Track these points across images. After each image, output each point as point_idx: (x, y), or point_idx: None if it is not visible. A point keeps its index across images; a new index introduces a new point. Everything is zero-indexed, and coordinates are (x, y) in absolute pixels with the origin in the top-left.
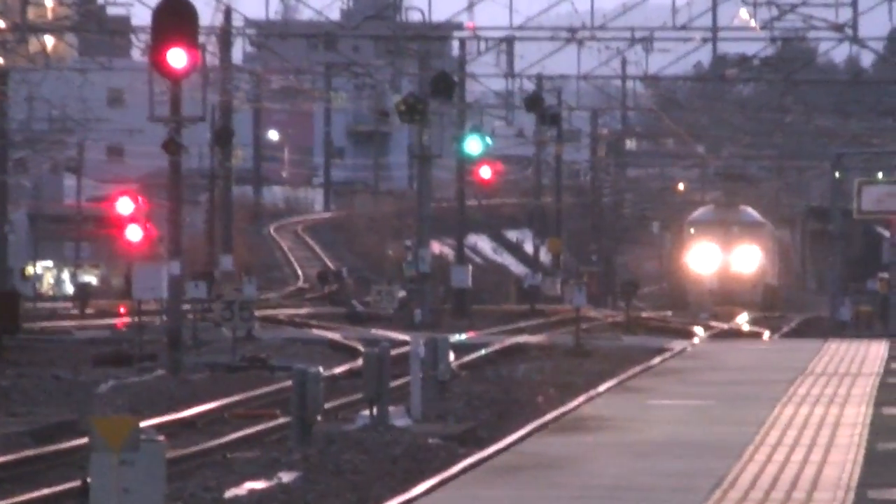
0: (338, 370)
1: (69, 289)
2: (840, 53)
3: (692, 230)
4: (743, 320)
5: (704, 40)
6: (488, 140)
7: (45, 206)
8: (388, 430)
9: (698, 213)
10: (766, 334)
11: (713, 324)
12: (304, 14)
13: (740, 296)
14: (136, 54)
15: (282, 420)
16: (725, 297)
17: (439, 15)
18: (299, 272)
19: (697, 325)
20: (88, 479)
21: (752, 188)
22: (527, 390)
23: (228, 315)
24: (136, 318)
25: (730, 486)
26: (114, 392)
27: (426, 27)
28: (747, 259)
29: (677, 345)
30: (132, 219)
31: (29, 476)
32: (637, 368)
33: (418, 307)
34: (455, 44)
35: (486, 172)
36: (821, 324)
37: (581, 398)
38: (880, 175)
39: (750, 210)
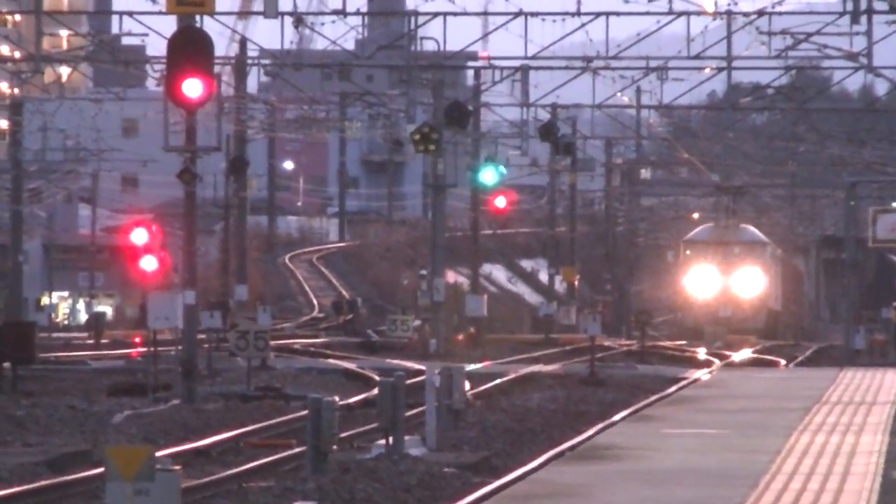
0: (353, 399)
1: (84, 318)
2: (854, 82)
3: (688, 251)
4: (743, 355)
5: (719, 69)
6: (503, 169)
7: (60, 236)
8: (402, 459)
9: (695, 232)
10: (782, 363)
11: (726, 352)
12: (319, 44)
13: (741, 321)
14: (151, 84)
15: (297, 449)
16: (725, 323)
17: (454, 45)
18: (314, 301)
19: (698, 348)
20: None
21: (755, 205)
22: (541, 419)
23: (243, 344)
24: (151, 348)
25: None
26: (128, 421)
27: (440, 57)
28: (748, 282)
29: (692, 373)
30: (147, 248)
31: None
32: (652, 397)
33: (433, 336)
34: (469, 73)
35: (500, 202)
36: (835, 352)
37: (596, 427)
38: (895, 204)
39: (751, 229)
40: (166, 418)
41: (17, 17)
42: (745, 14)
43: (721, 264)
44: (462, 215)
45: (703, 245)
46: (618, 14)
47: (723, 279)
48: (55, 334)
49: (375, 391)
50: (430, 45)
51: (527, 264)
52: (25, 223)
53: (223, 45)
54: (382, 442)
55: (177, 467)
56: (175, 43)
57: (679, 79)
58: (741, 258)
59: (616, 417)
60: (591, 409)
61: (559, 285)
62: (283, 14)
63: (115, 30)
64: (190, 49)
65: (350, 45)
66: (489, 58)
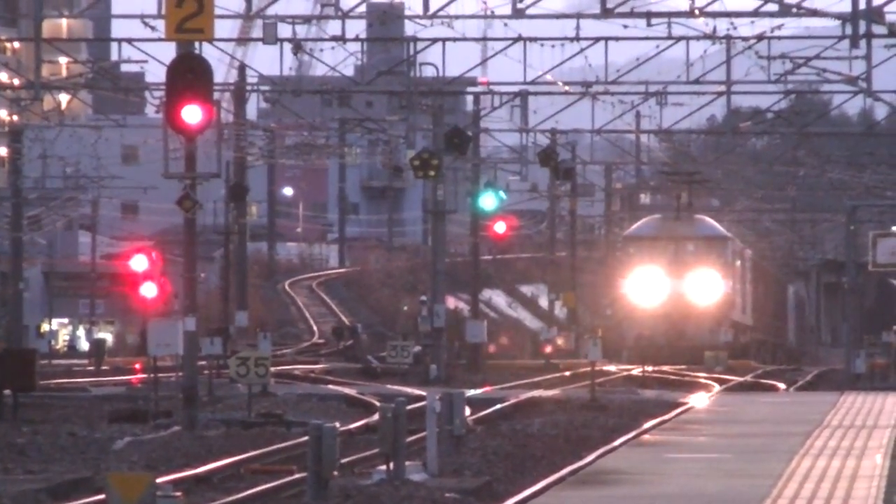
0: (354, 425)
1: (84, 345)
2: (854, 106)
3: (631, 249)
4: (701, 402)
5: (718, 94)
6: (502, 195)
7: (60, 264)
8: (404, 484)
9: (638, 225)
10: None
11: (726, 376)
12: (318, 70)
13: (696, 337)
14: (151, 111)
15: (298, 476)
16: (676, 340)
17: (453, 70)
18: (314, 328)
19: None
20: None
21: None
22: (542, 444)
23: (244, 371)
24: (152, 375)
25: None
26: (129, 448)
27: (440, 83)
28: (704, 287)
29: (693, 398)
30: (147, 275)
31: None
32: (653, 422)
33: (433, 362)
34: (469, 99)
35: (500, 227)
36: (836, 376)
37: (597, 452)
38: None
39: (708, 221)
40: (167, 445)
41: (17, 45)
42: (745, 38)
43: (670, 265)
44: (462, 241)
45: (649, 241)
46: (617, 39)
47: (672, 283)
48: (55, 361)
49: (376, 417)
50: (429, 71)
51: (527, 289)
52: (26, 250)
53: (222, 72)
54: (384, 468)
55: (178, 494)
56: (174, 69)
57: (678, 103)
58: (696, 257)
59: (617, 442)
60: (593, 433)
61: (559, 310)
62: (282, 40)
63: (114, 57)
64: (189, 76)
65: (349, 72)
66: (488, 83)
